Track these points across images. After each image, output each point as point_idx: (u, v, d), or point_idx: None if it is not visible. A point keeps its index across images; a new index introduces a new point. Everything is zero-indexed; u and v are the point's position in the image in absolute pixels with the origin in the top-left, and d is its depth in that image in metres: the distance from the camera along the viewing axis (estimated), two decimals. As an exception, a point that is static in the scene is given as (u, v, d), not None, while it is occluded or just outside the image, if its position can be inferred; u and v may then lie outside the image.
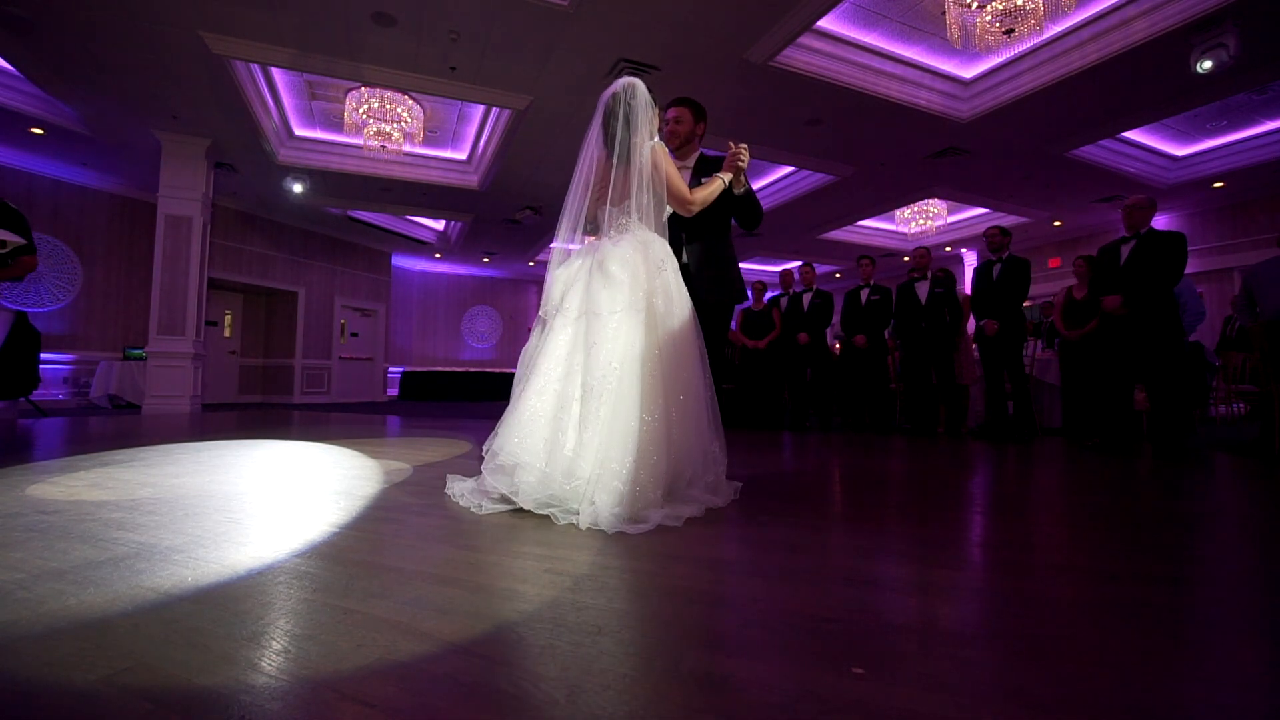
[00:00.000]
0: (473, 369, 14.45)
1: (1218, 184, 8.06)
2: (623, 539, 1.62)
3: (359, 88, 6.48)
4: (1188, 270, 8.34)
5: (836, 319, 6.47)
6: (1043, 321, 7.40)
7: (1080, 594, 1.26)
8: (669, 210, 2.33)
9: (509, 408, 2.04)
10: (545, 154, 7.51)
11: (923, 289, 5.69)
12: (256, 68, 6.16)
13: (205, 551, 1.43)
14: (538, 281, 14.99)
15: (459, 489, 2.15)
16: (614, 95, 2.24)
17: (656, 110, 2.32)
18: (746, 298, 2.69)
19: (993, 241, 5.30)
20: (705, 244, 2.56)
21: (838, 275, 14.13)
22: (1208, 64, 4.79)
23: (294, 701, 0.78)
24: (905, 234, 10.51)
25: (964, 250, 11.68)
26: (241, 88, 6.07)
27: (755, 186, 9.25)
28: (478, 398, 13.26)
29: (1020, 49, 5.50)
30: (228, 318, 10.86)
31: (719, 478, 2.15)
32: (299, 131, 7.73)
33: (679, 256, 2.36)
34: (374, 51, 5.52)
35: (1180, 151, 7.80)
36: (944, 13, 4.94)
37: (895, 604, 1.20)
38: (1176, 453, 3.75)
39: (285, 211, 10.06)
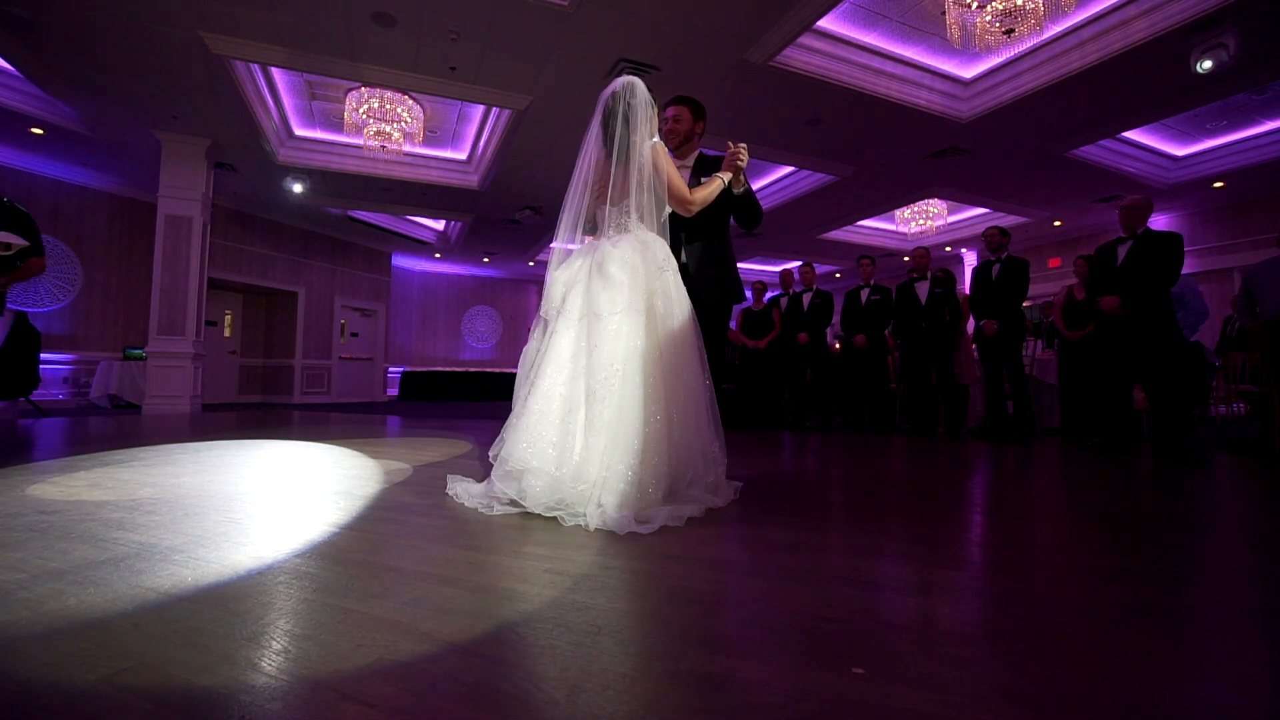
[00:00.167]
0: (473, 369, 14.46)
1: (1218, 184, 8.06)
2: (623, 539, 1.62)
3: (359, 88, 6.48)
4: (1188, 270, 8.34)
5: (836, 319, 6.47)
6: (1043, 321, 7.40)
7: (1080, 594, 1.26)
8: (668, 210, 2.32)
9: (515, 412, 2.03)
10: (545, 154, 7.52)
11: (923, 289, 5.69)
12: (256, 68, 6.16)
13: (205, 551, 1.43)
14: (538, 281, 15.00)
15: (460, 489, 2.15)
16: (613, 94, 2.24)
17: (656, 109, 2.32)
18: (745, 298, 2.69)
19: (992, 242, 5.30)
20: (704, 244, 2.56)
21: (838, 275, 14.13)
22: (1208, 64, 4.79)
23: (294, 701, 0.78)
24: (905, 234, 10.51)
25: (964, 250, 11.68)
26: (241, 88, 6.07)
27: (755, 186, 9.25)
28: (478, 398, 13.27)
29: (1020, 49, 5.50)
30: (228, 318, 10.86)
31: (719, 478, 2.15)
32: (299, 131, 7.73)
33: (678, 256, 2.36)
34: (374, 51, 5.52)
35: (1180, 151, 7.80)
36: (944, 13, 4.94)
37: (895, 604, 1.20)
38: (1176, 453, 3.75)
39: (285, 211, 10.06)
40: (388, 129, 6.74)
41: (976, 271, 5.43)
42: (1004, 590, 1.29)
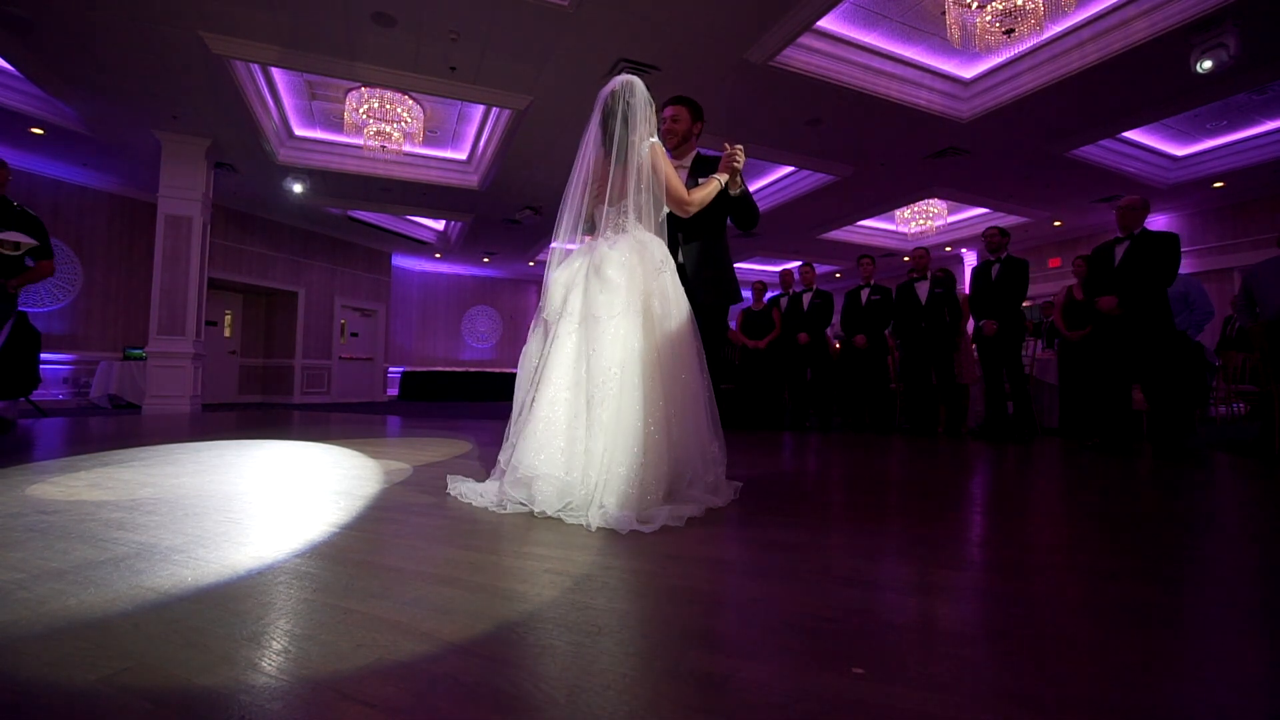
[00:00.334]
0: (473, 369, 14.46)
1: (1218, 184, 8.06)
2: (623, 539, 1.62)
3: (359, 88, 6.48)
4: (1189, 270, 8.34)
5: (836, 319, 6.47)
6: (1043, 321, 7.40)
7: (1080, 594, 1.26)
8: (666, 210, 2.32)
9: (517, 415, 2.03)
10: (545, 154, 7.52)
11: (922, 289, 5.70)
12: (256, 68, 6.16)
13: (205, 551, 1.43)
14: (538, 281, 15.00)
15: (465, 489, 2.16)
16: (612, 93, 2.23)
17: (655, 108, 2.32)
18: (743, 298, 2.69)
19: (991, 242, 5.30)
20: (701, 244, 2.55)
21: (838, 275, 14.13)
22: (1208, 64, 4.79)
23: (294, 701, 0.78)
24: (905, 234, 10.51)
25: (964, 250, 11.68)
26: (241, 88, 6.07)
27: (755, 187, 9.27)
28: (478, 398, 13.26)
29: (1020, 49, 5.50)
30: (228, 318, 10.86)
31: (719, 478, 2.15)
32: (299, 131, 7.73)
33: (675, 257, 2.36)
34: (374, 51, 5.52)
35: (1180, 151, 7.80)
36: (944, 13, 4.94)
37: (895, 604, 1.20)
38: (1176, 453, 3.75)
39: (285, 211, 10.06)
40: (388, 129, 6.74)
41: (976, 272, 5.43)
42: (1004, 590, 1.29)
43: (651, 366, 1.99)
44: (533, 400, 2.00)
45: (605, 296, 2.03)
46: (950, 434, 5.65)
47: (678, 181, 2.28)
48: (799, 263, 7.59)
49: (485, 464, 2.97)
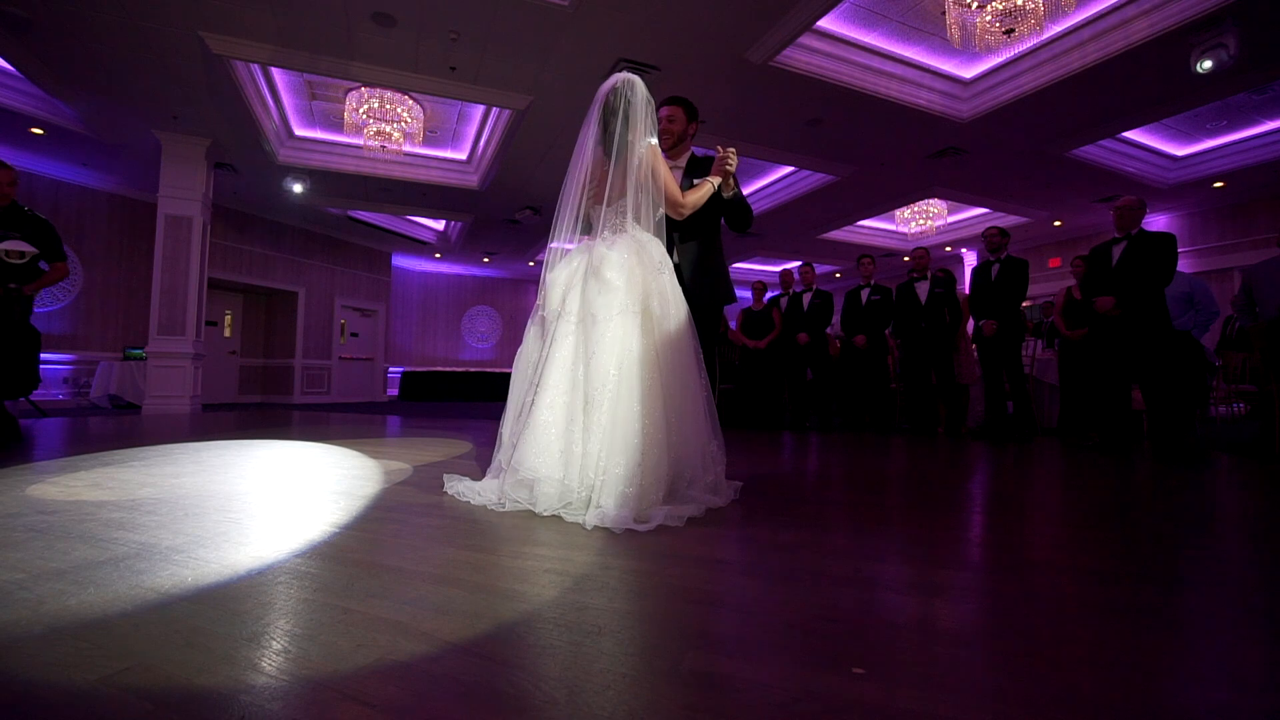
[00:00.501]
0: (473, 369, 14.46)
1: (1218, 184, 8.06)
2: (623, 539, 1.62)
3: (359, 88, 6.48)
4: (1191, 270, 8.34)
5: (837, 319, 6.47)
6: (1043, 322, 7.40)
7: (1080, 594, 1.26)
8: (662, 209, 2.32)
9: (523, 420, 2.02)
10: (545, 154, 7.51)
11: (922, 289, 5.70)
12: (256, 68, 6.16)
13: (205, 551, 1.43)
14: (537, 281, 14.83)
15: (463, 488, 2.16)
16: (614, 91, 2.21)
17: (654, 108, 2.31)
18: (736, 299, 2.70)
19: (991, 242, 5.30)
20: (695, 245, 2.55)
21: (838, 275, 14.13)
22: (1208, 64, 4.79)
23: (294, 701, 0.78)
24: (905, 234, 10.50)
25: (964, 250, 11.68)
26: (241, 88, 6.07)
27: (755, 186, 9.27)
28: (478, 398, 13.26)
29: (1020, 49, 5.50)
30: (228, 318, 10.86)
31: (718, 477, 2.15)
32: (299, 131, 7.73)
33: (670, 257, 2.36)
34: (374, 51, 5.52)
35: (1180, 151, 7.80)
36: (944, 13, 4.94)
37: (895, 604, 1.20)
38: (1176, 453, 3.75)
39: (285, 211, 10.06)
40: (388, 129, 6.74)
41: (976, 272, 5.43)
42: (1004, 590, 1.29)
43: (650, 367, 1.99)
44: (532, 402, 2.00)
45: (604, 298, 2.03)
46: (950, 434, 5.65)
47: (673, 183, 2.28)
48: (799, 263, 7.59)
49: (484, 464, 2.97)
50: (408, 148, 7.19)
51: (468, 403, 11.76)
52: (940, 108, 6.29)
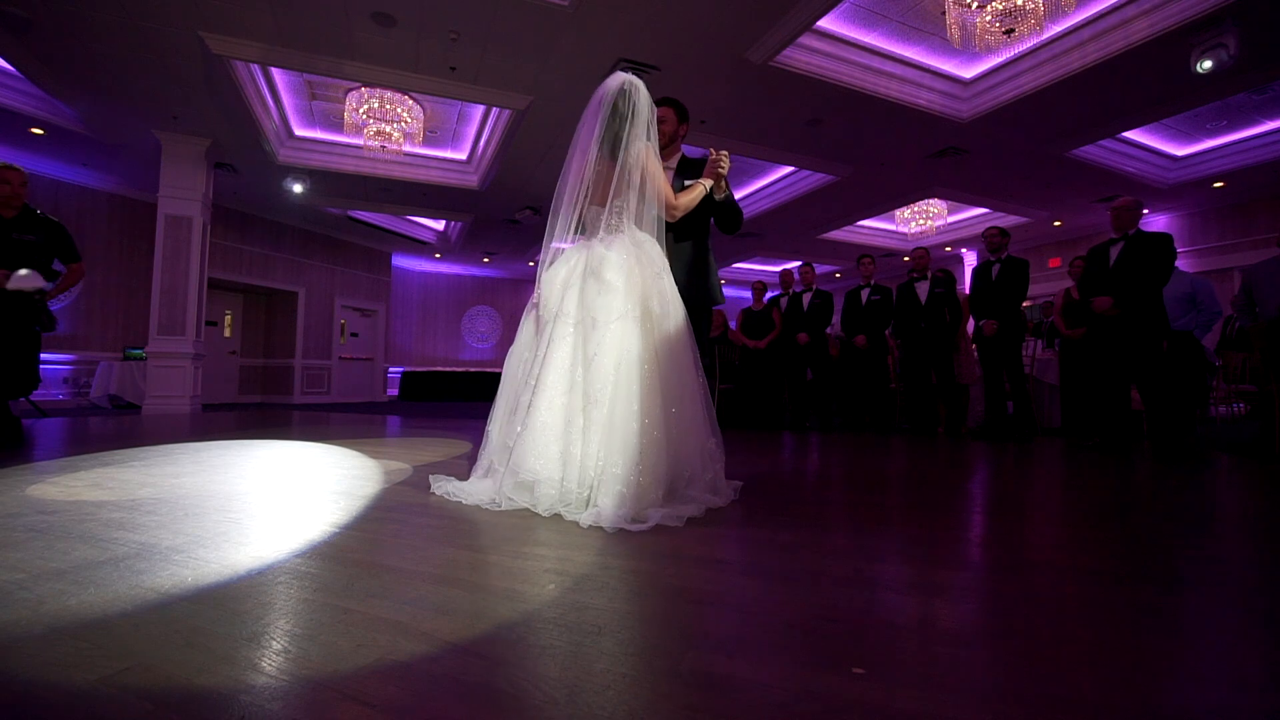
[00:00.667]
0: (473, 369, 14.45)
1: (1218, 184, 8.06)
2: (623, 539, 1.62)
3: (359, 88, 6.48)
4: (1192, 270, 8.33)
5: (837, 319, 6.47)
6: (1043, 322, 7.40)
7: (1080, 594, 1.26)
8: (657, 211, 2.32)
9: (521, 420, 2.00)
10: (545, 154, 7.51)
11: (922, 289, 5.70)
12: (256, 68, 6.16)
13: (205, 551, 1.43)
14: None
15: (453, 488, 2.15)
16: (620, 92, 2.19)
17: (655, 111, 2.31)
18: (724, 300, 2.71)
19: (991, 242, 5.30)
20: (688, 247, 2.56)
21: (838, 275, 14.13)
22: (1208, 64, 4.79)
23: (294, 701, 0.78)
24: (905, 234, 10.50)
25: (964, 250, 11.68)
26: (241, 88, 6.07)
27: (755, 186, 9.28)
28: (478, 398, 13.25)
29: (1020, 49, 5.50)
30: (228, 318, 10.86)
31: (717, 475, 2.15)
32: (299, 131, 7.73)
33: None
34: (374, 52, 5.52)
35: (1180, 151, 7.80)
36: (944, 13, 4.94)
37: (895, 604, 1.20)
38: (1176, 453, 3.75)
39: (285, 211, 10.06)
40: (388, 129, 6.74)
41: (976, 272, 5.43)
42: (1004, 590, 1.29)
43: (650, 366, 1.99)
44: (529, 403, 2.00)
45: (604, 299, 2.03)
46: (950, 434, 5.65)
47: (667, 185, 2.28)
48: (799, 263, 7.59)
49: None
50: (408, 148, 7.19)
51: (468, 403, 11.75)
52: (940, 108, 6.29)
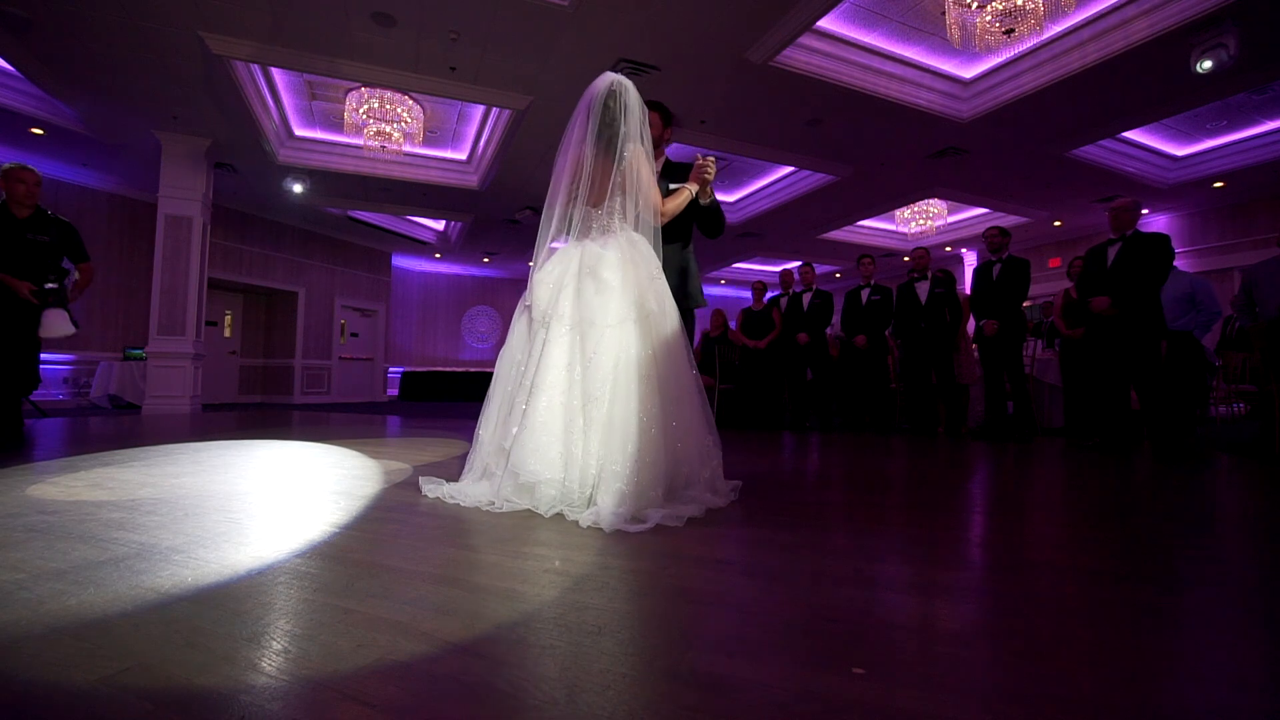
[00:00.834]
0: (473, 369, 14.44)
1: (1218, 184, 8.06)
2: (623, 539, 1.62)
3: (359, 88, 6.48)
4: (1192, 270, 8.33)
5: (837, 319, 6.47)
6: (1043, 322, 7.40)
7: (1080, 594, 1.26)
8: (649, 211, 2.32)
9: (518, 421, 1.98)
10: (545, 154, 7.51)
11: (922, 289, 5.70)
12: (256, 68, 6.16)
13: (205, 551, 1.43)
14: (538, 281, 14.95)
15: (448, 490, 2.13)
16: (611, 93, 2.20)
17: (646, 112, 2.31)
18: (705, 303, 2.73)
19: (992, 242, 5.30)
20: (676, 249, 2.57)
21: (838, 275, 14.13)
22: (1208, 64, 4.79)
23: (294, 701, 0.78)
24: (905, 234, 10.50)
25: (964, 250, 11.68)
26: (241, 88, 6.07)
27: (755, 186, 9.28)
28: (478, 398, 13.09)
29: (1020, 49, 5.49)
30: (228, 318, 10.86)
31: (716, 473, 2.16)
32: (299, 131, 7.73)
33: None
34: (374, 52, 5.52)
35: (1180, 151, 7.80)
36: (944, 13, 4.94)
37: (895, 604, 1.20)
38: (1176, 453, 3.75)
39: (285, 211, 10.06)
40: (388, 129, 6.74)
41: (977, 272, 5.43)
42: (1004, 590, 1.29)
43: (648, 365, 1.99)
44: (526, 404, 2.00)
45: (601, 299, 2.03)
46: (950, 434, 5.65)
47: (656, 188, 2.29)
48: (799, 263, 7.59)
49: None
50: (408, 148, 7.19)
51: (468, 403, 11.75)
52: (940, 108, 6.29)
